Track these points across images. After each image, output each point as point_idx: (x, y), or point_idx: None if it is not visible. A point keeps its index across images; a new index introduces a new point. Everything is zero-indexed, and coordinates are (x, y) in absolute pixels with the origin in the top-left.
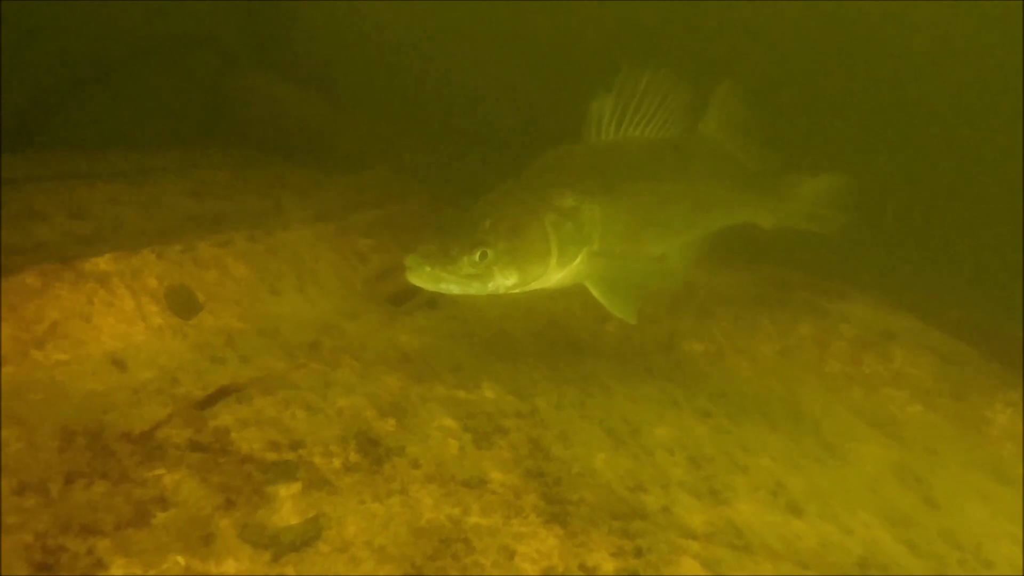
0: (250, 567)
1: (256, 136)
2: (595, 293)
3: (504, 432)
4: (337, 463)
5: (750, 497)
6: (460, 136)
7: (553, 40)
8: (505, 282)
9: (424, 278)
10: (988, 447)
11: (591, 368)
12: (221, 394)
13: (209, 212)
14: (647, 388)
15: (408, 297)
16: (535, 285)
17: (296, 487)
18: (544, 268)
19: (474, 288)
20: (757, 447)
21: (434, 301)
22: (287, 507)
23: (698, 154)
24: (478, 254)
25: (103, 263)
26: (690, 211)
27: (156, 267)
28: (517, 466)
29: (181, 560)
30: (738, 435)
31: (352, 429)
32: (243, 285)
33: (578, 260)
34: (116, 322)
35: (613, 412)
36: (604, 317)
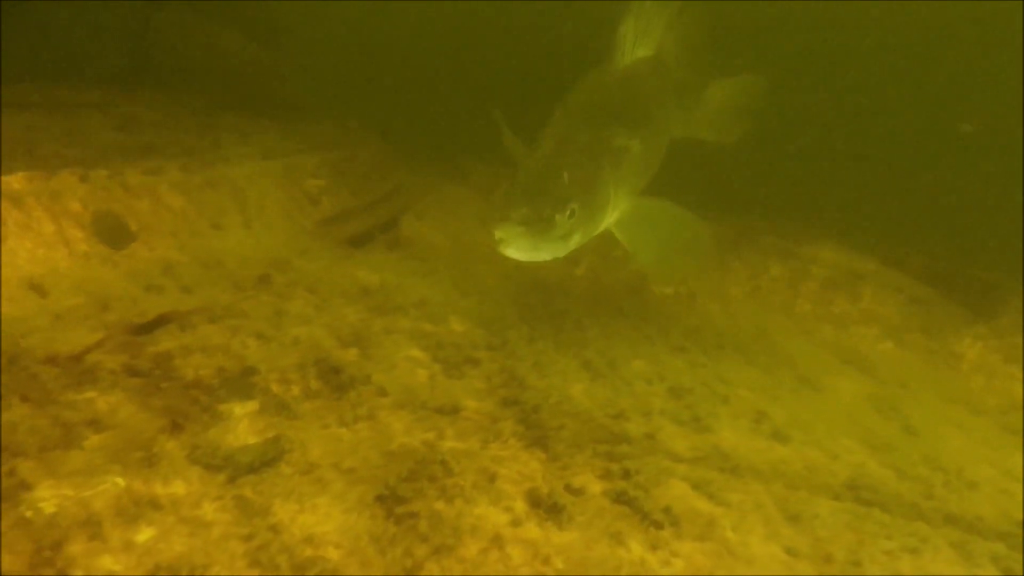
0: (202, 488)
1: (191, 79)
2: (621, 237)
3: (475, 363)
4: (296, 390)
5: (733, 425)
6: (412, 87)
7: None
8: (582, 237)
9: (524, 247)
10: (959, 380)
11: (562, 306)
12: (161, 321)
13: (138, 144)
14: (620, 325)
15: (364, 241)
16: (595, 233)
17: (252, 405)
18: (607, 214)
19: (561, 249)
20: (735, 379)
21: (391, 245)
22: (243, 426)
23: (666, 79)
24: (568, 212)
25: (15, 182)
26: (664, 136)
27: (79, 190)
28: (491, 395)
29: (120, 481)
30: (714, 368)
31: (310, 357)
32: (180, 217)
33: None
34: (34, 246)
35: (588, 346)
36: (574, 260)
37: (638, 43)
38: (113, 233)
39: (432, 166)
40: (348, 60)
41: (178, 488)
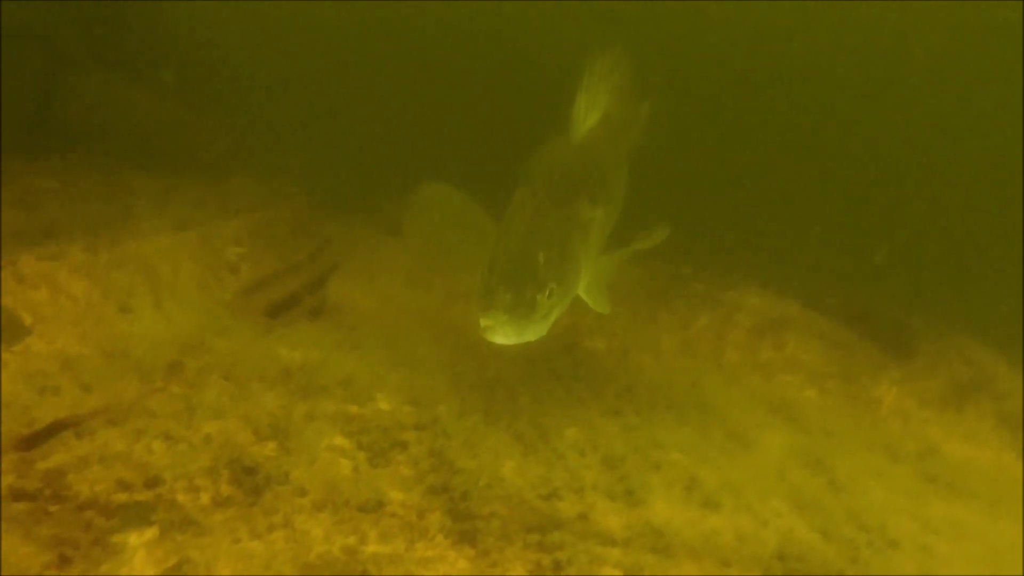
0: None
1: (97, 142)
2: (587, 298)
3: (403, 446)
4: (205, 498)
5: (666, 495)
6: (331, 137)
7: (413, 39)
8: (559, 312)
9: (509, 333)
10: (879, 426)
11: (494, 372)
12: (55, 429)
13: (38, 223)
14: (553, 388)
15: (287, 308)
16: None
17: (151, 532)
18: (578, 286)
19: (544, 328)
20: (668, 442)
21: (317, 310)
22: (139, 557)
23: (616, 143)
24: (548, 292)
25: None
26: (620, 199)
27: None
28: (419, 483)
29: None
30: (648, 431)
31: (223, 457)
32: (83, 303)
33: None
34: None
35: (520, 416)
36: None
37: (589, 114)
38: (4, 329)
39: (362, 217)
40: (274, 109)
41: None
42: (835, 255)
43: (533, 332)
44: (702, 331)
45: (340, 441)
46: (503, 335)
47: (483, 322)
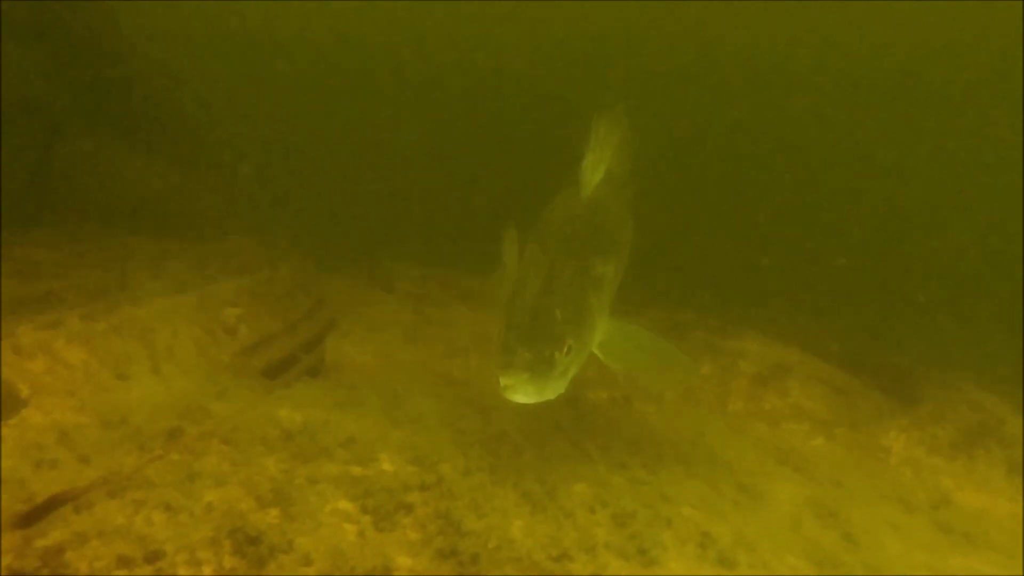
0: None
1: (94, 208)
2: (604, 357)
3: (408, 509)
4: (208, 571)
5: (679, 552)
6: (325, 198)
7: (408, 99)
8: (576, 368)
9: (530, 391)
10: (889, 475)
11: (498, 427)
12: (52, 504)
13: (35, 293)
14: (558, 443)
15: (286, 367)
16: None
17: None
18: (593, 342)
19: (562, 385)
20: (678, 496)
21: (316, 369)
22: None
23: (621, 198)
24: (566, 349)
25: None
26: (627, 252)
27: None
28: (426, 547)
29: None
30: (657, 485)
31: (225, 527)
32: (80, 372)
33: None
34: None
35: (526, 473)
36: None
37: (596, 169)
38: (1, 403)
39: (358, 275)
40: (269, 172)
41: None
42: (832, 300)
43: (552, 390)
44: (705, 380)
45: (344, 505)
46: (523, 394)
47: (503, 381)
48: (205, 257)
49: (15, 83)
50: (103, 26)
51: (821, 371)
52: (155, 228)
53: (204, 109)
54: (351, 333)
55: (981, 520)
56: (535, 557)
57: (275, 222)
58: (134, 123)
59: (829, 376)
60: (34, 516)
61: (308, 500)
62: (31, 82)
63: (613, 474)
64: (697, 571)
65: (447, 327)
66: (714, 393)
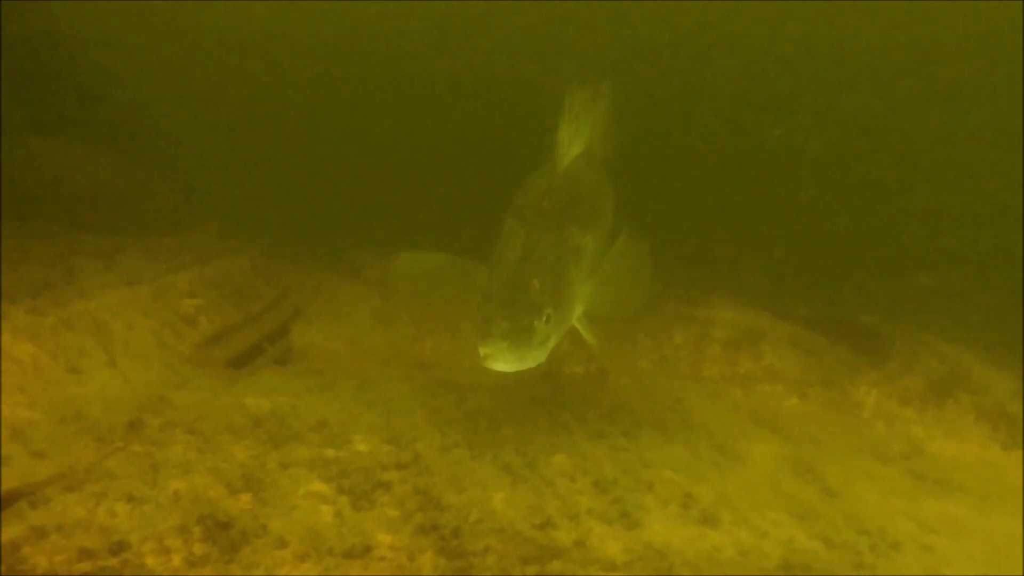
0: None
1: (39, 207)
2: (582, 328)
3: (386, 487)
4: (177, 559)
5: (662, 514)
6: (284, 190)
7: (369, 87)
8: (556, 338)
9: (510, 359)
10: (863, 429)
11: (473, 404)
12: (7, 500)
13: None
14: (535, 416)
15: (250, 358)
16: (565, 331)
17: None
18: (574, 311)
19: (542, 354)
20: (657, 461)
21: (283, 359)
22: None
23: (599, 170)
24: (545, 317)
25: None
26: (607, 226)
27: None
28: (406, 523)
29: None
30: (636, 451)
31: (194, 514)
32: (29, 367)
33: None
34: None
35: (504, 446)
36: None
37: (573, 143)
38: None
39: (322, 263)
40: (227, 159)
41: None
42: (799, 268)
43: (532, 358)
44: (678, 348)
45: (319, 487)
46: (503, 362)
47: (482, 350)
48: (159, 250)
49: None
50: (45, 22)
51: (792, 334)
52: (107, 223)
53: (161, 101)
54: (318, 320)
55: (953, 466)
56: (518, 527)
57: (236, 213)
58: (82, 118)
59: (800, 338)
60: None
61: (281, 484)
62: None
63: (592, 443)
64: (681, 531)
65: (416, 310)
66: (688, 361)
